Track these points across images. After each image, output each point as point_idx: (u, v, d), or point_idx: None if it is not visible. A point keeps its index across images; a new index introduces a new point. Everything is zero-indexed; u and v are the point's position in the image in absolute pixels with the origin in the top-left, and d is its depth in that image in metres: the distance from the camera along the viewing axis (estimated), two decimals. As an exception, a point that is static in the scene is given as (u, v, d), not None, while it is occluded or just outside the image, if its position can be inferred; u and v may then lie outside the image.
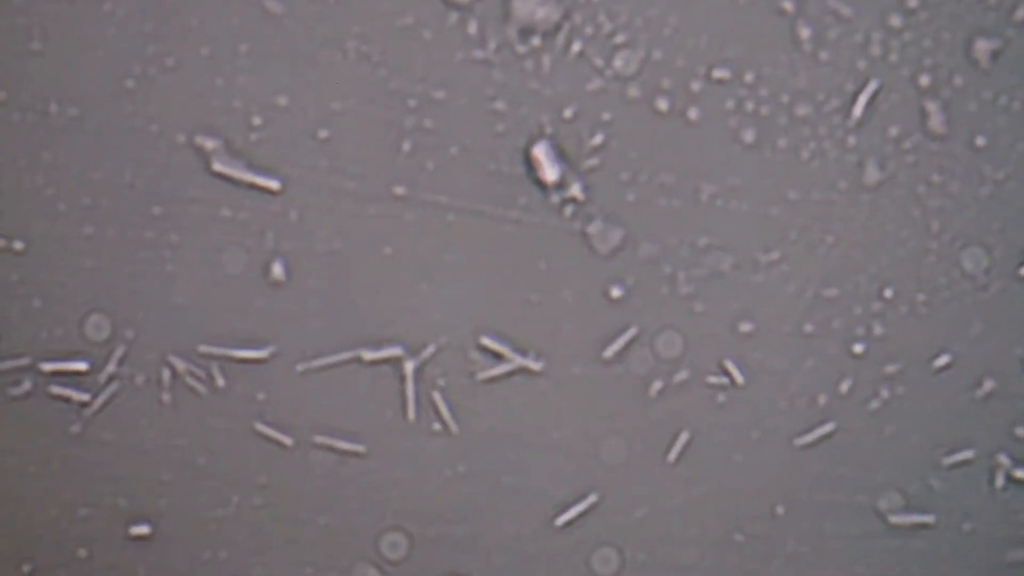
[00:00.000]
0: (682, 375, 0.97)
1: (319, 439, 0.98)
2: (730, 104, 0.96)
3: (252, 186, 0.97)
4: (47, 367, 0.98)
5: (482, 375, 0.98)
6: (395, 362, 0.98)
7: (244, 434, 0.98)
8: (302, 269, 0.97)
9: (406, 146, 0.97)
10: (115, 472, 0.98)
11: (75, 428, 0.98)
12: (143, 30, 0.97)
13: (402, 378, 0.98)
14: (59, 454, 0.98)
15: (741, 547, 0.98)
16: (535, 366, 0.97)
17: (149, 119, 0.97)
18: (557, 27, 0.96)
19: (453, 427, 0.98)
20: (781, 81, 0.96)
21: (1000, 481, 0.97)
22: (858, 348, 0.97)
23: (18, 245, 0.97)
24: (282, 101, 0.97)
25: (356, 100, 0.97)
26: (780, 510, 0.98)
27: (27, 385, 0.98)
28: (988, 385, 0.97)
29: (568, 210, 0.97)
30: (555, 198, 0.97)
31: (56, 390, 0.98)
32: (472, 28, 0.96)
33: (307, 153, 0.97)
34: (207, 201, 0.97)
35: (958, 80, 0.96)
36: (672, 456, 0.98)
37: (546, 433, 0.98)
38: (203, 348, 0.97)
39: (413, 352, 0.97)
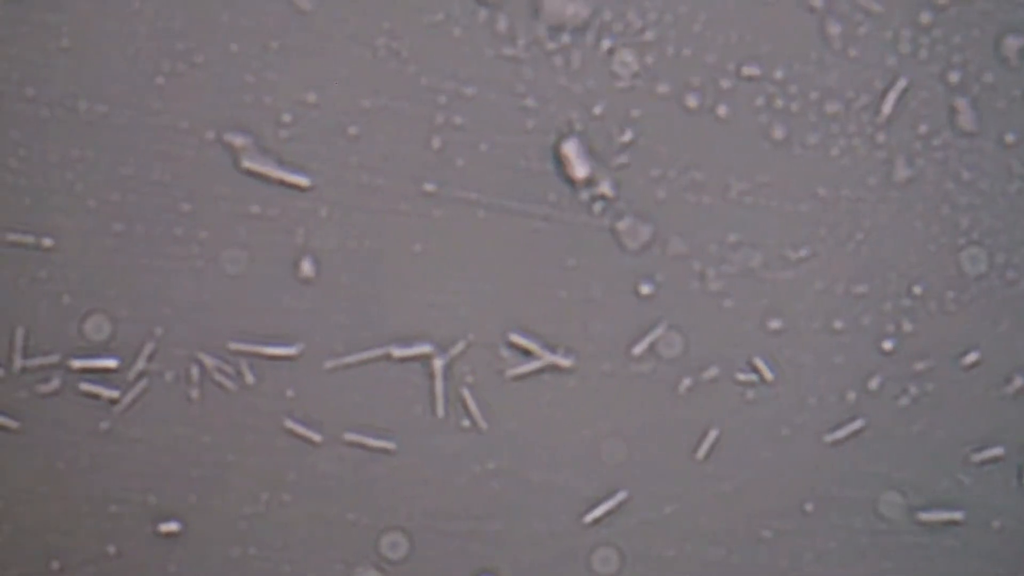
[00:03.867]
0: (711, 372, 0.97)
1: (348, 436, 0.98)
2: (760, 101, 0.97)
3: (281, 183, 0.97)
4: (76, 364, 0.98)
5: (511, 372, 0.98)
6: (424, 359, 0.97)
7: (273, 431, 0.98)
8: (331, 266, 0.97)
9: (436, 143, 0.97)
10: (144, 469, 0.98)
11: (104, 425, 0.98)
12: (172, 27, 0.97)
13: (431, 375, 0.98)
14: (88, 451, 0.98)
15: (770, 543, 0.98)
16: (564, 363, 0.97)
17: (178, 116, 0.97)
18: (586, 24, 0.96)
19: (482, 424, 0.98)
20: (810, 78, 0.96)
21: (1029, 478, 0.97)
22: (887, 345, 0.97)
23: (47, 242, 0.97)
24: (312, 98, 0.97)
25: (386, 97, 0.97)
26: (809, 507, 0.98)
27: (56, 382, 0.98)
28: (1018, 381, 0.97)
29: (598, 207, 0.97)
30: (585, 195, 0.97)
31: (85, 387, 0.98)
32: (502, 25, 0.96)
33: (337, 150, 0.97)
34: (236, 198, 0.97)
35: (988, 77, 0.96)
36: (701, 453, 0.98)
37: (575, 430, 0.98)
38: (232, 345, 0.97)
39: (442, 349, 0.97)
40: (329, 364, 0.98)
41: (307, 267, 0.97)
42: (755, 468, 0.98)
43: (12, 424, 0.98)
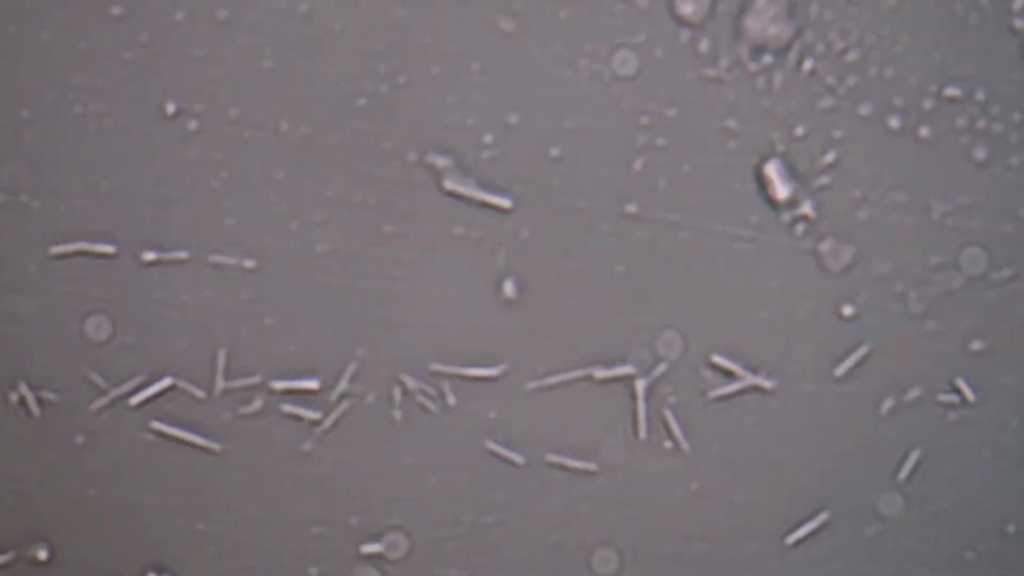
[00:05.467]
0: (913, 393, 0.97)
1: (551, 457, 0.98)
2: (961, 122, 0.97)
3: (484, 204, 0.97)
4: (279, 385, 0.98)
5: (713, 393, 0.97)
6: (626, 380, 0.97)
7: (475, 452, 0.98)
8: (533, 287, 0.97)
9: (638, 164, 0.97)
10: (346, 490, 0.98)
11: (306, 446, 0.98)
12: (374, 48, 0.97)
13: (633, 396, 0.97)
14: (290, 472, 0.98)
15: (972, 565, 0.98)
16: (767, 384, 0.97)
17: (380, 137, 0.97)
18: (788, 45, 0.97)
19: (684, 445, 0.98)
20: (1012, 99, 0.96)
21: None
22: (1092, 366, 0.97)
23: (249, 263, 0.97)
24: (514, 119, 0.97)
25: (588, 118, 0.97)
26: (1011, 528, 0.97)
27: (259, 403, 0.98)
28: None
29: (800, 228, 0.97)
30: (787, 216, 0.97)
31: (287, 408, 0.98)
32: (704, 46, 0.97)
33: (539, 171, 0.97)
34: (439, 219, 0.97)
35: None
36: (903, 474, 0.98)
37: (777, 451, 0.98)
38: (434, 366, 0.97)
39: (644, 370, 0.97)
40: (531, 385, 0.98)
41: (509, 288, 0.97)
42: (957, 490, 0.98)
43: (215, 446, 0.98)
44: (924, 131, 0.97)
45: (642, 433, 0.98)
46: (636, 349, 0.97)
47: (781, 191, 0.97)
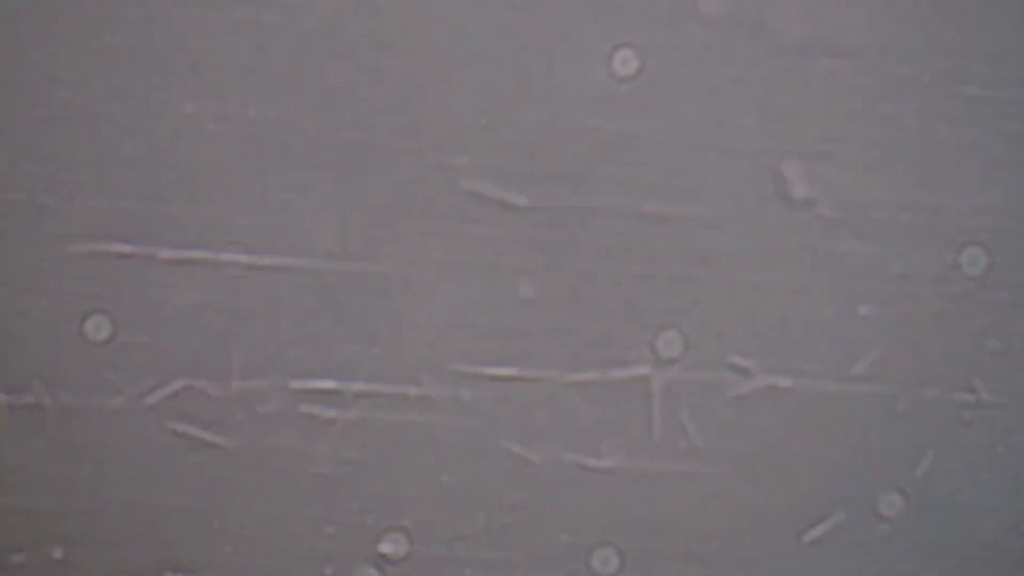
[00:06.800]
0: (930, 392, 0.97)
1: (566, 456, 0.98)
2: (979, 121, 0.96)
3: (501, 203, 0.97)
4: (295, 384, 0.97)
5: (730, 393, 0.97)
6: (642, 380, 0.97)
7: (491, 451, 0.98)
8: (550, 287, 0.97)
9: (655, 163, 0.97)
10: (362, 489, 0.98)
11: (322, 445, 0.98)
12: (391, 48, 0.97)
13: (649, 395, 0.97)
14: (306, 471, 0.98)
15: (987, 564, 0.98)
16: (784, 383, 0.97)
17: (398, 136, 0.97)
18: (808, 43, 0.96)
19: (700, 445, 0.98)
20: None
21: None
22: (1108, 366, 0.97)
23: (265, 262, 0.97)
24: (531, 118, 0.97)
25: (605, 116, 0.97)
26: (1026, 527, 0.98)
27: (275, 403, 0.97)
28: None
29: (817, 227, 0.97)
30: (804, 215, 0.97)
31: (304, 407, 0.98)
32: (724, 43, 0.96)
33: (555, 170, 0.97)
34: (455, 218, 0.97)
35: None
36: (919, 473, 0.98)
37: (793, 450, 0.98)
38: (450, 365, 0.97)
39: (661, 370, 0.97)
40: (547, 385, 0.97)
41: (526, 288, 0.97)
42: (971, 488, 0.98)
43: (230, 444, 0.98)
44: (942, 130, 0.97)
45: (658, 432, 0.98)
46: (652, 348, 0.97)
47: (799, 190, 0.97)
